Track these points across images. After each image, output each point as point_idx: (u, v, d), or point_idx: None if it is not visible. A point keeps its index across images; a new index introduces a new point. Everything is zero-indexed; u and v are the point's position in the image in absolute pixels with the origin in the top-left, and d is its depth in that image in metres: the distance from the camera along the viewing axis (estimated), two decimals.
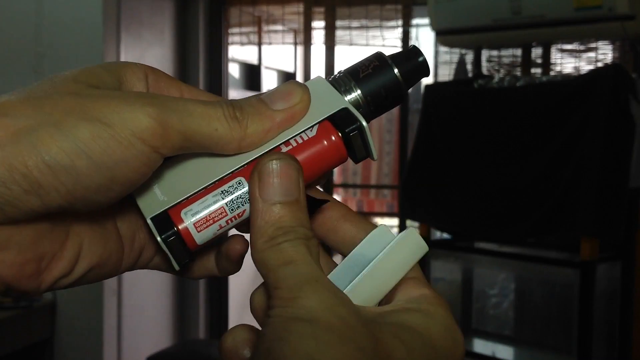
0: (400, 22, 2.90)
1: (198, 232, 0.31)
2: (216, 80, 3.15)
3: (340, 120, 0.32)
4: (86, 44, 2.55)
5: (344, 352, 0.25)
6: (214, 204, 0.31)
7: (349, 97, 0.34)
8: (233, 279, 3.29)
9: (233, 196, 0.31)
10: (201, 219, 0.31)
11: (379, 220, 3.71)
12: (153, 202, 0.31)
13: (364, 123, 0.32)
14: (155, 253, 0.36)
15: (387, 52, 0.35)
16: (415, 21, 2.91)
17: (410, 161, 2.42)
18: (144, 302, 2.90)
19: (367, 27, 2.99)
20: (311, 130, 0.32)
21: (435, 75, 2.83)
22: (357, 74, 0.34)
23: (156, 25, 2.93)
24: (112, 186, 0.28)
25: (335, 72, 0.35)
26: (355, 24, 3.00)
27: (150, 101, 0.28)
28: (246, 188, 0.31)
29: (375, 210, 4.10)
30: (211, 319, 3.21)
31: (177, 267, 0.32)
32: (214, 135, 0.30)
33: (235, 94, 3.29)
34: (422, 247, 0.32)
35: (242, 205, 0.31)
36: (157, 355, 2.61)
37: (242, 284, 3.50)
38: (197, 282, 3.13)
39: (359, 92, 0.34)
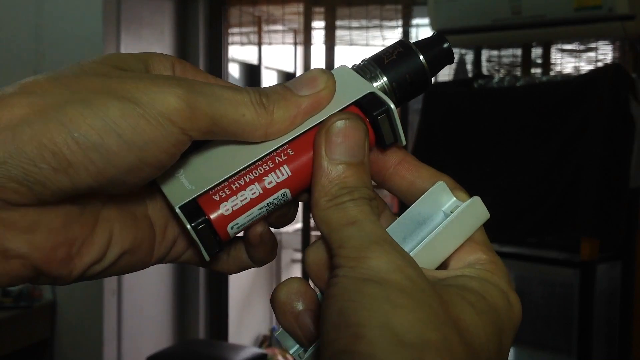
0: (400, 22, 2.90)
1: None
2: None
3: (367, 104, 0.31)
4: (86, 44, 2.55)
5: (418, 317, 0.25)
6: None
7: (375, 84, 0.33)
8: (233, 279, 3.28)
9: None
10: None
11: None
12: (180, 192, 0.31)
13: (392, 106, 0.31)
14: (188, 246, 0.35)
15: None
16: (415, 21, 2.91)
17: None
18: (144, 302, 2.90)
19: (367, 27, 2.98)
20: None
21: (435, 75, 2.83)
22: (381, 61, 0.33)
23: (156, 25, 2.93)
24: (141, 166, 0.28)
25: (358, 61, 0.34)
26: (355, 24, 3.00)
27: (178, 83, 0.28)
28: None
29: None
30: (211, 319, 3.21)
31: (207, 257, 0.31)
32: (241, 121, 0.30)
33: None
34: (485, 215, 0.32)
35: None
36: (157, 355, 2.61)
37: (242, 284, 3.50)
38: (197, 282, 3.13)
39: (384, 79, 0.33)
